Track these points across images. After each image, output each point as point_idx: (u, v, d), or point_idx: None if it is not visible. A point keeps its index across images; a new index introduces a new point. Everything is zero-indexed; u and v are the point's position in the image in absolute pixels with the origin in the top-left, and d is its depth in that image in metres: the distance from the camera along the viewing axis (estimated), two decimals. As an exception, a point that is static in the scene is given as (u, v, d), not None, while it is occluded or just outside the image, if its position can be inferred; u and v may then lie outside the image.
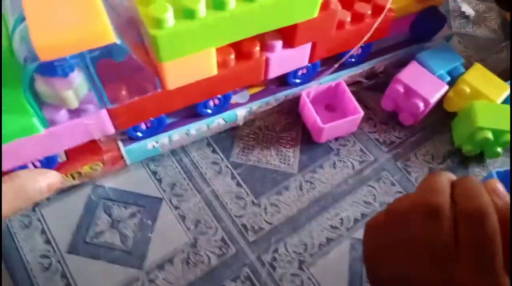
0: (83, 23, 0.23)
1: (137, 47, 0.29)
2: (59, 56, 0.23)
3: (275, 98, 0.38)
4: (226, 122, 0.37)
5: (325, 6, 0.31)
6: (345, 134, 0.40)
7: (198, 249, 0.33)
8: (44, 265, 0.32)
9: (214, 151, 0.38)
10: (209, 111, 0.36)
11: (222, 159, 0.37)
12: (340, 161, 0.39)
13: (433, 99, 0.38)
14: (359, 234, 0.35)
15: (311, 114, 0.37)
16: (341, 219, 0.36)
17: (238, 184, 0.36)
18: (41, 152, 0.29)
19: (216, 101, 0.35)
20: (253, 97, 0.38)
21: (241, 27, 0.29)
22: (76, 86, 0.26)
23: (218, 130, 0.38)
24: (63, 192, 0.34)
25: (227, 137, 0.39)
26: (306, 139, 0.39)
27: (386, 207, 0.24)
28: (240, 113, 0.37)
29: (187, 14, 0.26)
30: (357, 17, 0.36)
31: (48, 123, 0.27)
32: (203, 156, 0.38)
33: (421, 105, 0.39)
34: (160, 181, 0.36)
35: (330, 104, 0.40)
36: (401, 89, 0.39)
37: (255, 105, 0.38)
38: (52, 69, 0.24)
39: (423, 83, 0.39)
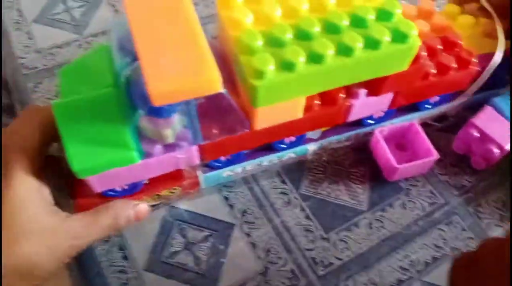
0: (196, 72, 0.24)
1: (227, 86, 0.30)
2: (171, 102, 0.24)
3: (346, 136, 0.39)
4: (296, 155, 0.38)
5: (415, 61, 0.32)
6: (416, 175, 0.40)
7: (269, 278, 0.34)
8: (122, 280, 0.33)
9: (283, 181, 0.38)
10: (283, 146, 0.37)
11: (291, 190, 0.38)
12: (410, 201, 0.38)
13: (509, 146, 0.38)
14: (430, 278, 0.35)
15: (385, 153, 0.37)
16: (411, 261, 0.35)
17: (307, 217, 0.37)
18: (132, 178, 0.31)
19: (293, 139, 0.36)
20: (325, 134, 0.38)
21: (335, 79, 0.30)
22: (175, 124, 0.27)
23: (287, 163, 0.39)
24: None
25: (296, 169, 0.39)
26: (376, 176, 0.39)
27: (478, 245, 0.24)
28: (311, 148, 0.38)
29: (287, 66, 0.27)
30: (442, 70, 0.36)
31: (145, 155, 0.28)
32: (273, 185, 0.38)
33: (496, 151, 0.38)
34: (232, 206, 0.37)
35: (401, 143, 0.41)
36: (475, 134, 0.39)
37: (326, 142, 0.38)
38: (159, 111, 0.26)
39: (498, 129, 0.39)
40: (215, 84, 0.24)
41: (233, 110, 0.28)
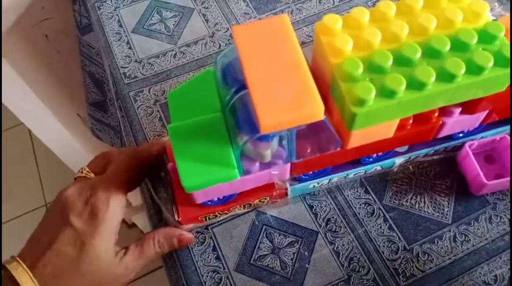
0: (302, 104, 0.25)
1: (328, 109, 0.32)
2: (277, 131, 0.26)
3: (434, 150, 0.39)
4: (383, 168, 0.39)
5: None
6: (504, 190, 0.39)
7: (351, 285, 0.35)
8: (215, 279, 0.36)
9: (366, 192, 0.40)
10: (370, 160, 0.38)
11: (374, 201, 0.39)
12: (497, 216, 0.38)
13: None
14: (513, 293, 0.35)
15: (474, 167, 0.37)
16: (495, 276, 0.35)
17: (390, 228, 0.38)
18: (229, 191, 0.34)
19: (380, 153, 0.37)
20: (412, 147, 0.38)
21: (433, 103, 0.30)
22: (273, 146, 0.29)
23: (373, 174, 0.40)
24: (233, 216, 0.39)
25: (380, 180, 0.40)
26: (462, 189, 0.39)
27: None
28: (398, 162, 0.38)
29: (387, 94, 0.27)
30: None
31: (244, 172, 0.31)
32: (356, 195, 0.39)
33: None
34: (316, 215, 0.39)
35: (489, 155, 0.40)
36: None
37: (413, 155, 0.39)
38: (263, 136, 0.28)
39: None
40: (319, 114, 0.26)
41: (328, 132, 0.30)
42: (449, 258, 0.36)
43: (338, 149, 0.32)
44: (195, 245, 0.37)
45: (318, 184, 0.37)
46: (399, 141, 0.35)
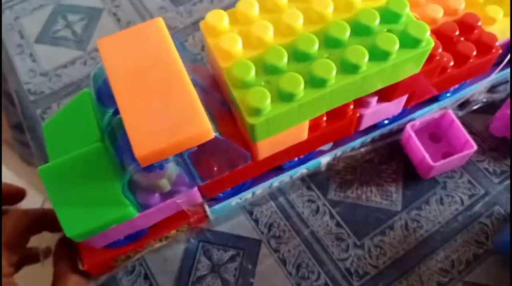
0: (185, 125, 0.21)
1: (222, 116, 0.27)
2: (160, 160, 0.22)
3: (361, 142, 0.36)
4: (309, 170, 0.35)
5: (429, 60, 0.28)
6: (454, 168, 0.36)
7: (302, 295, 0.32)
8: (151, 312, 0.32)
9: (309, 188, 0.36)
10: (293, 164, 0.34)
11: (318, 197, 0.36)
12: (448, 195, 0.36)
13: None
14: (472, 277, 0.32)
15: (419, 150, 0.34)
16: (452, 261, 0.33)
17: (338, 224, 0.35)
18: (133, 229, 0.29)
19: (301, 156, 0.34)
20: (337, 143, 0.35)
21: (340, 98, 0.27)
22: (169, 173, 0.25)
23: (300, 178, 0.36)
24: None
25: (322, 172, 0.37)
26: (409, 171, 0.36)
27: None
28: (324, 161, 0.35)
29: (285, 97, 0.24)
30: (461, 60, 0.32)
31: (142, 208, 0.26)
32: (298, 193, 0.36)
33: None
34: (257, 221, 0.35)
35: (434, 133, 0.37)
36: (515, 114, 0.35)
37: (339, 151, 0.35)
38: (150, 166, 0.23)
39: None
40: (207, 134, 0.22)
41: (230, 147, 0.26)
42: (403, 249, 0.33)
43: (249, 163, 0.28)
44: (123, 275, 0.33)
45: (240, 199, 0.33)
46: (317, 142, 0.32)
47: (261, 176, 0.33)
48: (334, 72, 0.24)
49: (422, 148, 0.33)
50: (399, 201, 0.35)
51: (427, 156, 0.33)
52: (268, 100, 0.23)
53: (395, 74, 0.27)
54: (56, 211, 0.25)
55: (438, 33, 0.31)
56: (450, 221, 0.35)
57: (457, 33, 0.31)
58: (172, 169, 0.25)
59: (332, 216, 0.35)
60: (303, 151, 0.33)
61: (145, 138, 0.21)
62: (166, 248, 0.34)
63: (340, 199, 0.36)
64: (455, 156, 0.33)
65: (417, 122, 0.35)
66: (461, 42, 0.31)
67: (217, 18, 0.25)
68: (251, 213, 0.35)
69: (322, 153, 0.35)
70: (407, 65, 0.27)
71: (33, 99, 0.41)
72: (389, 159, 0.37)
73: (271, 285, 0.32)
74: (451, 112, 0.35)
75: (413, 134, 0.34)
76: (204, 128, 0.22)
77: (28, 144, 0.65)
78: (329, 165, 0.36)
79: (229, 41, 0.25)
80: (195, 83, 0.24)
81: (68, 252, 0.30)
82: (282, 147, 0.29)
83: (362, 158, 0.37)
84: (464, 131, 0.34)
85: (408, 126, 0.35)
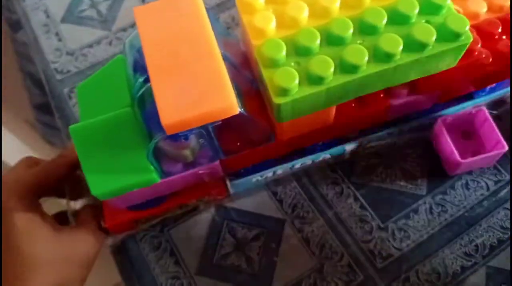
0: (211, 98, 0.22)
1: (249, 93, 0.27)
2: (185, 130, 0.22)
3: (388, 133, 0.35)
4: (332, 156, 0.35)
5: (466, 56, 0.27)
6: (484, 167, 0.36)
7: (325, 275, 0.32)
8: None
9: (333, 170, 0.36)
10: (317, 149, 0.34)
11: (343, 179, 0.36)
12: (473, 180, 0.35)
13: None
14: (496, 262, 0.32)
15: (448, 145, 0.33)
16: (476, 246, 0.33)
17: (362, 207, 0.35)
18: (155, 194, 0.30)
19: (326, 142, 0.34)
20: (363, 132, 0.34)
21: (370, 87, 0.26)
22: (193, 144, 0.26)
23: (323, 164, 0.36)
24: (188, 212, 0.35)
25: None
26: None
27: None
28: (348, 148, 0.35)
29: (314, 80, 0.24)
30: (500, 58, 0.30)
31: (165, 175, 0.27)
32: (323, 175, 0.36)
33: None
34: (281, 202, 0.35)
35: (465, 130, 0.36)
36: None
37: (366, 140, 0.35)
38: (175, 135, 0.23)
39: None
40: (231, 109, 0.22)
41: (254, 125, 0.26)
42: (427, 232, 0.33)
43: (272, 142, 0.28)
44: (150, 251, 0.34)
45: (261, 177, 0.33)
46: (343, 129, 0.32)
47: (284, 157, 0.33)
48: (366, 59, 0.24)
49: (451, 143, 0.33)
50: (424, 185, 0.35)
51: (456, 151, 0.32)
52: (296, 81, 0.23)
53: (429, 66, 0.27)
54: (83, 169, 0.25)
55: (479, 29, 0.30)
56: (475, 206, 0.34)
57: (499, 30, 0.30)
58: (196, 140, 0.26)
59: (356, 198, 0.35)
60: (328, 136, 0.33)
61: (173, 107, 0.21)
62: (192, 225, 0.34)
63: (364, 182, 0.36)
64: (484, 155, 0.33)
65: (449, 117, 0.34)
66: (503, 40, 0.30)
67: None
68: (275, 194, 0.35)
69: (347, 140, 0.34)
70: (442, 59, 0.26)
71: (60, 78, 0.42)
72: (415, 143, 0.37)
73: (294, 264, 0.33)
74: (485, 110, 0.34)
75: (444, 129, 0.33)
76: (229, 103, 0.22)
77: (51, 124, 0.66)
78: (353, 152, 0.36)
79: (263, 19, 0.25)
80: (226, 59, 0.24)
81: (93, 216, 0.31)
82: (307, 129, 0.29)
83: (388, 143, 0.37)
84: (497, 130, 0.33)
85: (439, 120, 0.34)
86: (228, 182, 0.32)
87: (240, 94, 0.24)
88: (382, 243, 0.33)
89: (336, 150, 0.34)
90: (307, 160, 0.34)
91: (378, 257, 0.33)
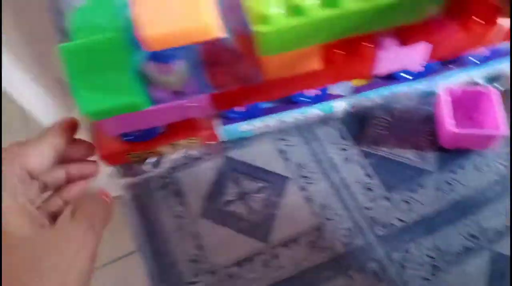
0: (191, 16, 0.22)
1: (241, 34, 0.27)
2: (165, 48, 0.23)
3: (378, 93, 0.35)
4: (324, 113, 0.35)
5: (451, 4, 0.27)
6: (480, 148, 0.35)
7: (324, 234, 0.32)
8: (178, 224, 0.33)
9: (343, 137, 0.36)
10: (304, 99, 0.34)
11: (351, 146, 0.36)
12: (486, 164, 0.35)
13: None
14: (500, 247, 0.32)
15: (444, 115, 0.33)
16: (482, 228, 0.32)
17: (367, 175, 0.35)
18: (144, 124, 0.31)
19: (318, 92, 0.34)
20: (356, 90, 0.35)
21: (354, 25, 0.26)
22: (180, 71, 0.26)
23: (316, 121, 0.36)
24: (196, 158, 0.36)
25: (357, 122, 0.37)
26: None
27: None
28: (338, 106, 0.35)
29: (296, 11, 0.24)
30: (489, 20, 0.30)
31: (153, 101, 0.28)
32: (331, 140, 0.36)
33: None
34: (287, 160, 0.36)
35: (470, 109, 0.36)
36: None
37: (356, 99, 0.35)
38: (158, 56, 0.24)
39: None
40: (212, 29, 0.23)
41: (241, 58, 0.26)
42: (433, 208, 0.33)
43: (260, 80, 0.28)
44: (157, 189, 0.34)
45: (251, 125, 0.34)
46: (331, 77, 0.32)
47: (273, 108, 0.34)
48: None
49: (447, 113, 0.33)
50: (433, 162, 0.35)
51: (451, 121, 0.32)
52: (277, 9, 0.24)
53: (413, 8, 0.26)
54: (73, 89, 0.26)
55: None
56: (485, 189, 0.34)
57: None
58: (182, 68, 0.26)
59: (363, 166, 0.35)
60: (316, 83, 0.33)
61: (153, 23, 0.22)
62: (199, 171, 0.35)
63: (373, 152, 0.36)
64: (478, 131, 0.33)
65: (453, 89, 0.34)
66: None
67: None
68: (282, 152, 0.36)
69: (339, 96, 0.35)
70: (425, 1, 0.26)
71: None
72: (429, 120, 0.37)
73: (295, 219, 0.33)
74: (492, 89, 0.34)
75: (443, 99, 0.33)
76: (209, 22, 0.22)
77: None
78: (361, 117, 0.36)
79: None
80: None
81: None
82: (293, 71, 0.29)
83: (400, 115, 0.37)
84: (500, 113, 0.33)
85: (441, 92, 0.34)
86: (216, 124, 0.33)
87: (232, 33, 0.24)
88: (386, 212, 0.33)
89: (325, 107, 0.35)
90: (297, 114, 0.34)
91: (380, 225, 0.33)
